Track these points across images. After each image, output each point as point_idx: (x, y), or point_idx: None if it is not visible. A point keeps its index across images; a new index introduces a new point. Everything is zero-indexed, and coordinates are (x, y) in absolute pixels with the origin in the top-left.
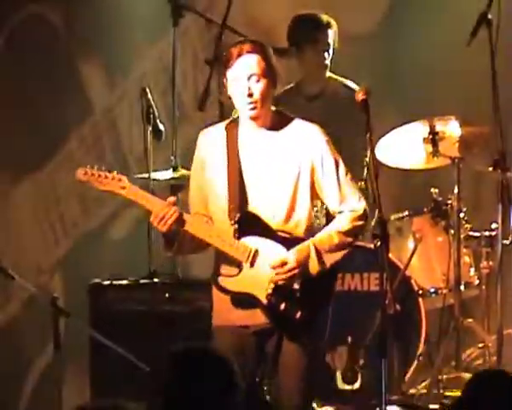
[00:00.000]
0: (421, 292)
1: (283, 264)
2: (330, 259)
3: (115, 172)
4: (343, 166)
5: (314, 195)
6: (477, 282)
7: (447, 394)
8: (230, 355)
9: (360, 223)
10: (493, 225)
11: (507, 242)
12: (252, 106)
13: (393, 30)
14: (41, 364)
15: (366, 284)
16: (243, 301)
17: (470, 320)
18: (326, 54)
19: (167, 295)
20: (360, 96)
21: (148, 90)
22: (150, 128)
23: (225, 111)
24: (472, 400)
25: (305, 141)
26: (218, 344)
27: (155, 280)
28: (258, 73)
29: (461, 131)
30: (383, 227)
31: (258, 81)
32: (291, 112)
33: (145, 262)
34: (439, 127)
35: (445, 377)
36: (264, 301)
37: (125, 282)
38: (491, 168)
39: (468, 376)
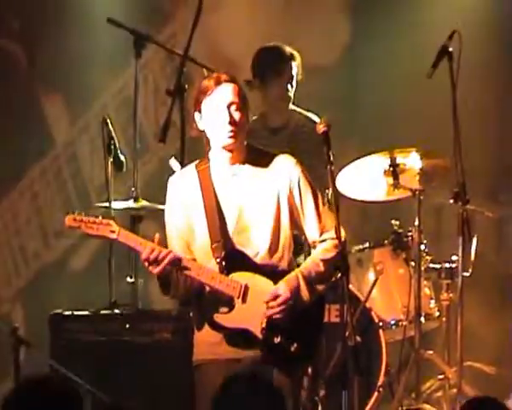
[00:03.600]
0: (381, 324)
1: (276, 297)
2: (318, 286)
3: (100, 216)
4: (320, 196)
5: (293, 225)
6: (437, 314)
7: None
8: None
9: (343, 251)
10: (453, 258)
11: (467, 274)
12: (232, 134)
13: (354, 62)
14: (3, 392)
15: (327, 316)
16: (238, 337)
17: (430, 352)
18: (289, 86)
19: (127, 325)
20: (321, 129)
21: (108, 120)
22: (111, 159)
23: (187, 144)
24: None
25: (282, 173)
26: (205, 377)
27: (116, 311)
28: (238, 102)
29: (421, 164)
30: (344, 259)
31: (237, 109)
32: (255, 144)
33: (105, 293)
34: (399, 159)
35: (405, 408)
36: (259, 335)
37: (85, 312)
38: (451, 200)
39: (428, 407)
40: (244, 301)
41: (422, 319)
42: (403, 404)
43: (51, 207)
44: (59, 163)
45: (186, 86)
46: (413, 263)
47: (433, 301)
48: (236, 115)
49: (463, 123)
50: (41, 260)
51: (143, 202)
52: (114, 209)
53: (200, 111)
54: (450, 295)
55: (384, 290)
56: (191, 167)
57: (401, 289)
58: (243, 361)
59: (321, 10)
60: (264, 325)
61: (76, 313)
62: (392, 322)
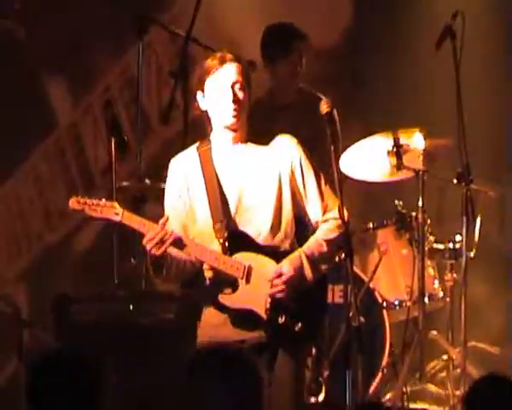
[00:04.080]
0: (385, 304)
1: (279, 275)
2: (321, 266)
3: (104, 199)
4: (322, 176)
5: (295, 206)
6: (441, 294)
7: (412, 405)
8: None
9: (346, 232)
10: (457, 238)
11: (471, 254)
12: (235, 113)
13: (356, 42)
14: (6, 374)
15: (330, 296)
16: (243, 318)
17: (434, 332)
18: (298, 66)
19: (131, 306)
20: (324, 109)
21: (112, 102)
22: (114, 141)
23: (190, 125)
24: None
25: (283, 153)
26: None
27: (119, 292)
28: (241, 80)
29: (425, 144)
30: (348, 240)
31: (240, 89)
32: (262, 121)
33: (109, 274)
34: (403, 140)
35: (409, 388)
36: (264, 315)
37: (88, 294)
38: (455, 181)
39: (432, 387)
40: (248, 281)
41: (426, 299)
42: (407, 384)
43: (54, 189)
44: (62, 145)
45: (189, 68)
46: (417, 243)
47: (436, 282)
48: (240, 94)
49: (467, 103)
50: (44, 241)
51: (147, 182)
52: (119, 188)
53: (203, 90)
54: (454, 275)
55: (388, 271)
56: (192, 149)
57: (405, 270)
58: (246, 343)
59: None
60: (268, 306)
61: (80, 294)
62: (396, 302)
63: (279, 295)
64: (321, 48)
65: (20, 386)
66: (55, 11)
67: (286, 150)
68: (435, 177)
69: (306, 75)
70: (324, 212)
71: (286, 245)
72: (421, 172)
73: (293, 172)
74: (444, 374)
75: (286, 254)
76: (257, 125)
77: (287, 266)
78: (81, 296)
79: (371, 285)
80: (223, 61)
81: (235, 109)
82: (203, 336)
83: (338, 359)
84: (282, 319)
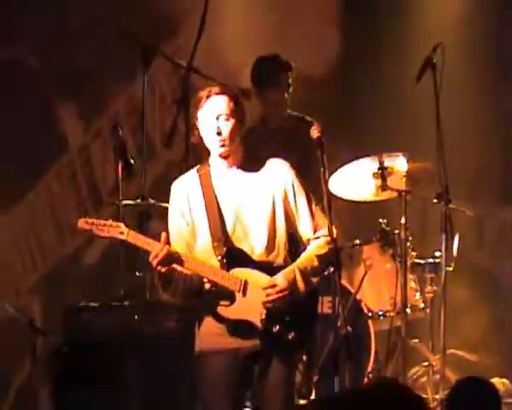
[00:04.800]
0: (370, 315)
1: (273, 286)
2: (313, 279)
3: (110, 220)
4: (312, 197)
5: (288, 225)
6: (422, 305)
7: None
8: (222, 378)
9: (335, 248)
10: (437, 253)
11: (450, 268)
12: (221, 143)
13: (344, 71)
14: (20, 379)
15: (320, 307)
16: (240, 328)
17: (416, 341)
18: (286, 93)
19: (136, 316)
20: (315, 134)
21: (119, 128)
22: (122, 162)
23: (191, 149)
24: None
25: (276, 175)
26: (210, 367)
27: (125, 303)
28: (227, 112)
29: (407, 167)
30: (336, 255)
31: (227, 120)
32: (256, 145)
33: (116, 286)
34: (387, 163)
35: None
36: (259, 325)
37: (97, 304)
38: (435, 200)
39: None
40: (244, 294)
41: (408, 310)
42: None
43: (66, 207)
44: (73, 166)
45: (190, 96)
46: (399, 258)
47: (418, 294)
48: (225, 126)
49: (446, 130)
50: (56, 255)
51: (151, 201)
52: (125, 206)
53: (197, 120)
54: (434, 288)
55: (373, 284)
56: (193, 172)
57: (388, 283)
58: (242, 351)
59: (314, 23)
60: (263, 316)
61: (88, 304)
62: (381, 313)
63: (272, 304)
64: (309, 76)
65: (33, 388)
66: (67, 41)
67: (279, 173)
68: (417, 197)
69: (296, 102)
70: (315, 230)
71: (280, 261)
72: (403, 193)
73: (286, 194)
74: (424, 379)
75: (280, 269)
76: (251, 149)
77: (281, 279)
78: (90, 306)
79: (358, 297)
80: (209, 95)
81: (220, 140)
82: (203, 345)
83: (327, 365)
84: (276, 329)
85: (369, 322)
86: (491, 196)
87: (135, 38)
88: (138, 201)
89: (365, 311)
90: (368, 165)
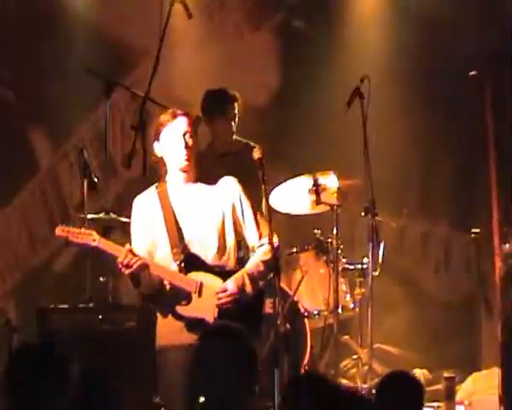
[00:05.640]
0: (306, 314)
1: (224, 290)
2: (259, 282)
3: (83, 228)
4: (256, 209)
5: (236, 233)
6: (352, 305)
7: None
8: (179, 371)
9: (276, 254)
10: (365, 260)
11: (376, 273)
12: (186, 157)
13: (284, 98)
14: None
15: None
16: (196, 325)
17: (346, 337)
18: (233, 122)
19: (100, 316)
20: (256, 155)
21: (84, 150)
22: (86, 181)
23: (147, 169)
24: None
25: (226, 190)
26: (169, 361)
27: (90, 305)
28: (190, 131)
29: (338, 184)
30: (276, 262)
31: (190, 137)
32: (206, 167)
33: (82, 290)
34: (321, 180)
35: None
36: (212, 323)
37: (66, 306)
38: (362, 213)
39: (344, 381)
40: (200, 295)
41: (340, 309)
42: None
43: (38, 221)
44: (44, 185)
45: (147, 122)
46: (332, 264)
47: (348, 295)
48: (190, 142)
49: (372, 151)
50: (29, 263)
51: (112, 215)
52: (89, 220)
53: (158, 140)
54: (362, 290)
55: (308, 287)
56: (152, 189)
57: (322, 286)
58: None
59: (256, 59)
60: (216, 315)
61: (58, 306)
62: (315, 312)
63: (224, 307)
64: (252, 106)
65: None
66: (37, 75)
67: (228, 189)
68: (347, 210)
69: (241, 128)
70: (259, 238)
71: (230, 265)
72: (335, 207)
73: (234, 207)
74: (354, 370)
75: (231, 272)
76: (202, 170)
77: (231, 284)
78: (59, 308)
79: (295, 298)
80: (174, 116)
81: (186, 154)
82: (162, 341)
83: (268, 358)
84: None
85: (305, 320)
86: (411, 209)
87: (99, 74)
88: (101, 215)
89: (302, 310)
90: (303, 182)
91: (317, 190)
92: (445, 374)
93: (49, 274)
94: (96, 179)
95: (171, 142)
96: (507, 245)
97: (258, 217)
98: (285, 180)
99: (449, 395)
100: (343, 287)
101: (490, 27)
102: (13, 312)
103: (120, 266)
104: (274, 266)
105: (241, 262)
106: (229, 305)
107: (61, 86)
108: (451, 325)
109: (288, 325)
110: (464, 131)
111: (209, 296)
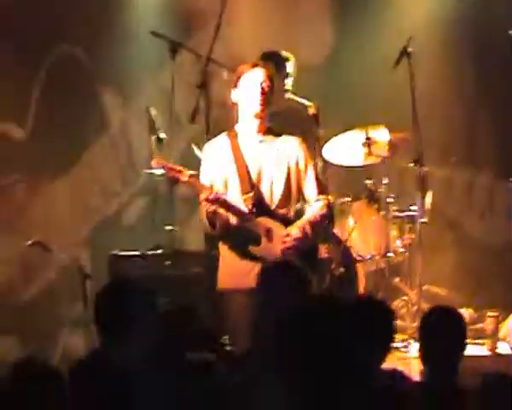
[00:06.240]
0: (359, 258)
1: (289, 235)
2: (317, 232)
3: (176, 165)
4: (316, 169)
5: (297, 187)
6: (402, 250)
7: None
8: (244, 313)
9: (330, 209)
10: (413, 207)
11: (424, 220)
12: (261, 102)
13: (338, 57)
14: (75, 314)
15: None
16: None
17: (397, 279)
18: (286, 80)
19: (167, 262)
20: (312, 111)
21: (151, 108)
22: (153, 137)
23: (210, 124)
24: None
25: (292, 147)
26: (233, 303)
27: (158, 252)
28: (267, 82)
29: (389, 137)
30: (330, 210)
31: (268, 87)
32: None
33: (151, 238)
34: (371, 134)
35: None
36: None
37: (136, 253)
38: (411, 164)
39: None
40: (268, 238)
41: (390, 254)
42: None
43: (109, 173)
44: (114, 140)
45: (209, 81)
46: (383, 212)
47: (398, 241)
48: (266, 89)
49: (419, 107)
50: (101, 214)
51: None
52: (157, 175)
53: (237, 86)
54: (412, 235)
55: (361, 233)
56: (222, 136)
57: (374, 232)
58: None
59: (310, 19)
60: (281, 258)
61: (129, 253)
62: (368, 257)
63: (288, 251)
64: (307, 65)
65: (85, 327)
66: (110, 37)
67: (294, 145)
68: (397, 162)
69: (296, 87)
70: (318, 194)
71: (291, 214)
72: (386, 159)
73: (297, 162)
74: (404, 310)
75: (292, 220)
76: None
77: (295, 230)
78: (129, 255)
79: (348, 244)
80: (254, 66)
81: (261, 100)
82: (225, 284)
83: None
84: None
85: (358, 265)
86: (456, 160)
87: (165, 36)
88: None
89: (354, 255)
90: (356, 136)
91: (368, 142)
92: (489, 313)
93: (120, 224)
94: (162, 136)
95: (249, 88)
96: None
97: (318, 176)
98: (339, 133)
99: (492, 333)
100: (393, 233)
101: None
102: (87, 260)
103: (205, 202)
104: (330, 218)
105: (299, 214)
106: (293, 249)
107: (131, 49)
108: (495, 268)
109: (342, 269)
110: (506, 86)
111: (276, 241)
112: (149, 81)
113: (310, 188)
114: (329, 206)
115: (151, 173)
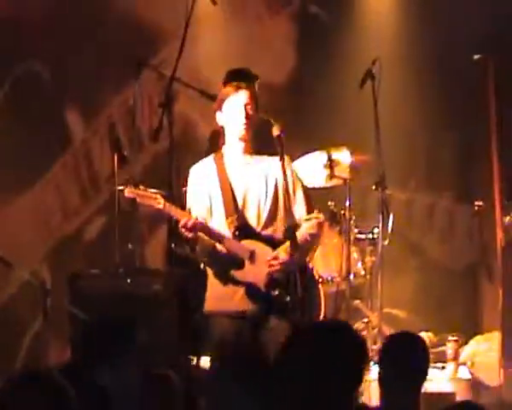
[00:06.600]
0: (320, 280)
1: (276, 258)
2: (306, 254)
3: (150, 190)
4: (304, 187)
5: (285, 206)
6: (363, 272)
7: None
8: (229, 337)
9: (322, 228)
10: (375, 230)
11: (385, 242)
12: (246, 126)
13: (300, 79)
14: (33, 332)
15: None
16: (245, 292)
17: (357, 301)
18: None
19: (128, 280)
20: (276, 132)
21: (114, 126)
22: (116, 155)
23: (174, 144)
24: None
25: (279, 168)
26: (218, 326)
27: (119, 270)
28: (251, 104)
29: (351, 159)
30: (322, 229)
31: (250, 109)
32: None
33: (111, 256)
34: (334, 156)
35: None
36: (263, 288)
37: (96, 271)
38: (373, 187)
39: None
40: (252, 262)
41: (351, 276)
42: None
43: (70, 192)
44: (77, 158)
45: (173, 100)
46: (344, 234)
47: (359, 263)
48: (250, 112)
49: (383, 127)
50: (62, 231)
51: (141, 187)
52: (120, 190)
53: (221, 110)
54: (373, 258)
55: (323, 255)
56: (209, 159)
57: (335, 254)
58: (247, 313)
59: (274, 42)
60: (266, 282)
61: (89, 271)
62: (329, 278)
63: (275, 274)
64: (270, 84)
65: (45, 341)
66: (73, 54)
67: (280, 165)
68: (359, 184)
69: (260, 106)
70: (307, 213)
71: (279, 235)
72: (348, 181)
73: (285, 182)
74: (365, 333)
75: (279, 242)
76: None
77: (282, 253)
78: (89, 273)
79: (310, 265)
80: (238, 88)
81: (246, 123)
82: (213, 307)
83: None
84: (275, 292)
85: (320, 286)
86: (418, 183)
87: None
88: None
89: (316, 277)
90: (318, 157)
91: (331, 164)
92: (450, 337)
93: (80, 242)
94: (125, 153)
95: (233, 112)
96: (507, 218)
97: (307, 194)
98: (301, 155)
99: (453, 357)
100: (355, 255)
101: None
102: (47, 276)
103: (183, 229)
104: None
105: (287, 234)
106: (279, 273)
107: (93, 66)
108: (455, 291)
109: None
110: (469, 110)
111: (261, 264)
112: (113, 99)
113: (299, 207)
114: (321, 224)
115: (115, 190)
